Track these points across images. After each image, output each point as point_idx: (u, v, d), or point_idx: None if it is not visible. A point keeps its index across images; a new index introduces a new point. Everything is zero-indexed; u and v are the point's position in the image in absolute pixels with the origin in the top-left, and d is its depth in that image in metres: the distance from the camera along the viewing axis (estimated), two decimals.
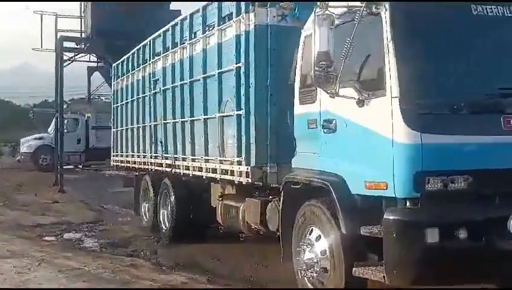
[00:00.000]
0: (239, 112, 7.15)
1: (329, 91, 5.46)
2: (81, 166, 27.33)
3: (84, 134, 27.76)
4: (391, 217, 4.99)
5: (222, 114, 7.76)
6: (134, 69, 12.16)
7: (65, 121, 22.65)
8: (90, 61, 26.23)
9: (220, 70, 7.79)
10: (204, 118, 8.41)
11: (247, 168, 6.98)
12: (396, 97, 4.97)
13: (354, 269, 5.39)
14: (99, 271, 7.93)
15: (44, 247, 9.84)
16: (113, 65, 14.73)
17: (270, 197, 7.04)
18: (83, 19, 24.10)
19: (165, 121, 10.07)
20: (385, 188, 5.08)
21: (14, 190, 19.00)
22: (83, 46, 23.71)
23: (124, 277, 7.64)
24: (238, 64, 7.17)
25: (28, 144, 28.35)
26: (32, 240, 10.45)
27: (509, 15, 5.37)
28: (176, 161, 9.54)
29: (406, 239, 4.93)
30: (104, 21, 21.86)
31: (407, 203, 5.00)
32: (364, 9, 5.18)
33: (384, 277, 5.08)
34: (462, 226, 4.87)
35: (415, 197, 4.96)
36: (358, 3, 5.26)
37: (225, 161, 7.71)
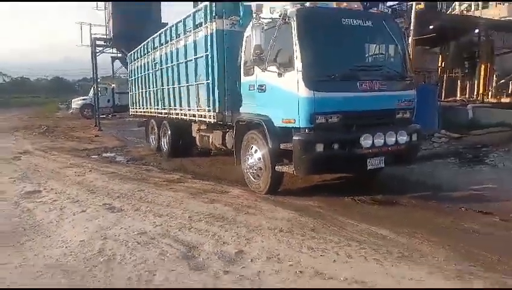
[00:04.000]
0: (208, 81, 6.83)
1: (261, 68, 5.41)
2: (110, 115, 25.95)
3: (111, 96, 26.32)
4: (297, 138, 5.02)
5: (198, 82, 7.36)
6: (142, 56, 11.34)
7: (99, 89, 21.31)
8: (112, 53, 24.46)
9: (195, 56, 7.38)
10: (187, 85, 7.99)
11: (214, 114, 6.76)
12: (300, 71, 4.92)
13: (276, 167, 5.50)
14: (127, 174, 7.63)
15: (92, 161, 9.43)
16: (128, 54, 13.72)
17: (227, 129, 6.92)
18: (107, 27, 22.43)
19: (162, 87, 9.55)
20: (294, 122, 5.05)
21: (70, 130, 17.81)
22: (108, 43, 22.08)
23: (142, 176, 7.42)
24: (207, 53, 6.81)
25: (77, 102, 26.38)
26: (84, 157, 9.94)
27: (363, 24, 5.35)
28: (170, 110, 9.15)
29: (305, 149, 4.97)
30: (121, 28, 20.59)
31: (306, 130, 5.01)
32: (282, 20, 5.08)
33: (293, 171, 5.20)
34: (335, 142, 4.97)
35: (310, 127, 4.97)
36: (278, 16, 5.14)
37: (200, 109, 7.45)
